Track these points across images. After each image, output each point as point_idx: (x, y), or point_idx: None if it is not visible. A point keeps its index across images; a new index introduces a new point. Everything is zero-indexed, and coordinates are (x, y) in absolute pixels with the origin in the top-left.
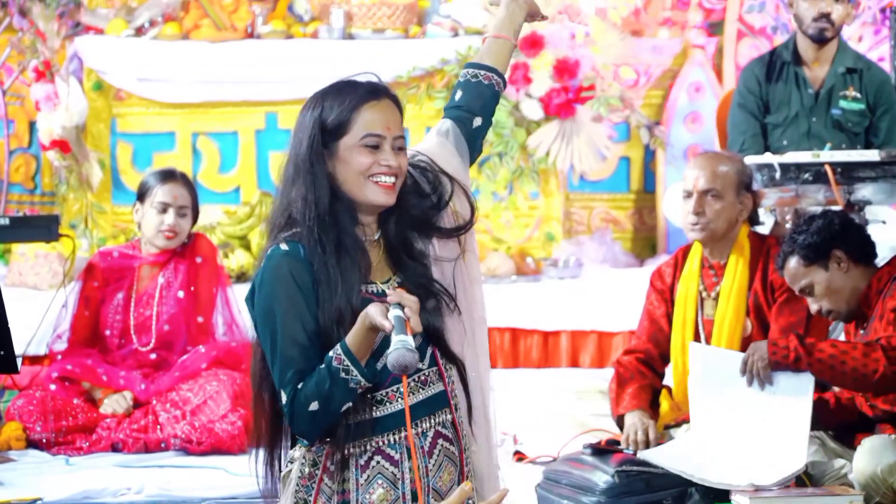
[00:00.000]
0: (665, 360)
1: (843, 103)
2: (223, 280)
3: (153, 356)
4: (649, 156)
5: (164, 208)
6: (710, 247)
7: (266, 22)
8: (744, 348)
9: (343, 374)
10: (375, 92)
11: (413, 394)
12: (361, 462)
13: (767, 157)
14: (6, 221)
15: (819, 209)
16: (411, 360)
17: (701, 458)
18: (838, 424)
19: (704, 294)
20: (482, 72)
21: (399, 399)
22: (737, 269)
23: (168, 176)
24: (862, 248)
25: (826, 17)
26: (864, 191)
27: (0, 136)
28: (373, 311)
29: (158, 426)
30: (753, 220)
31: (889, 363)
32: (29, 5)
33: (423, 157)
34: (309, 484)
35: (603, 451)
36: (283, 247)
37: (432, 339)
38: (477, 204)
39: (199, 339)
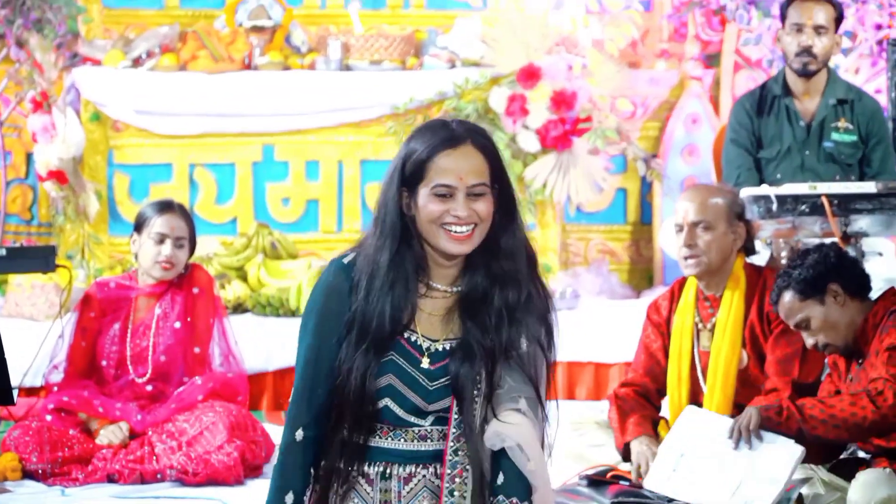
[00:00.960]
0: (661, 393)
1: (835, 135)
2: (220, 311)
3: (149, 387)
4: (646, 187)
5: (161, 239)
6: (705, 279)
7: (263, 53)
8: (740, 380)
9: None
10: (452, 139)
11: (406, 441)
12: (343, 475)
13: (764, 189)
14: (3, 252)
15: (816, 241)
16: None
17: (704, 485)
18: (827, 453)
19: (700, 326)
20: None
21: (390, 437)
22: (732, 300)
23: (165, 207)
24: (858, 282)
25: (807, 50)
26: (860, 222)
27: None
28: None
29: (154, 457)
30: (749, 249)
31: (876, 408)
32: (26, 36)
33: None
34: (308, 496)
35: (599, 482)
36: (344, 260)
37: (458, 400)
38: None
39: (195, 370)
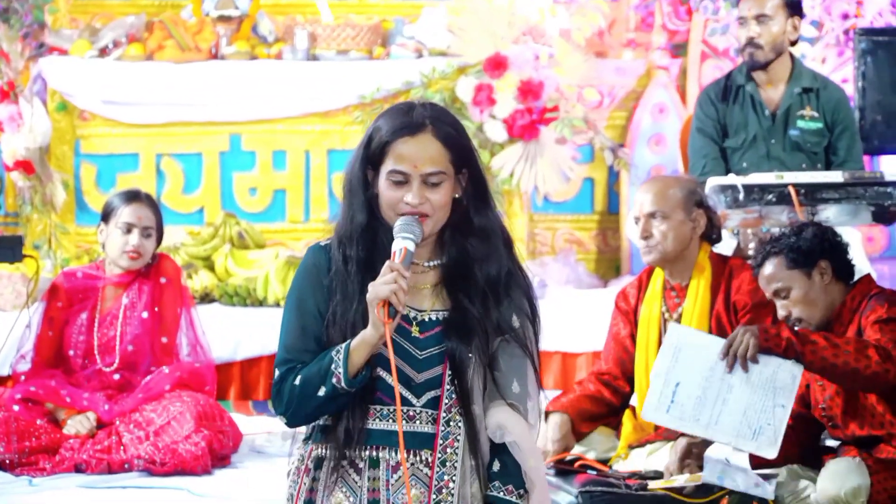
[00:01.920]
0: (629, 381)
1: (800, 123)
2: (187, 301)
3: (117, 377)
4: (613, 177)
5: (128, 229)
6: (668, 268)
7: (230, 43)
8: None
9: (332, 365)
10: (411, 126)
11: (394, 421)
12: (331, 465)
13: (731, 179)
14: None
15: (778, 230)
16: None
17: (709, 416)
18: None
19: (667, 315)
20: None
21: (378, 419)
22: (698, 290)
23: (132, 197)
24: (846, 266)
25: (750, 42)
26: (827, 212)
27: None
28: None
29: (122, 447)
30: (712, 237)
31: (882, 360)
32: None
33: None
34: (296, 479)
35: (566, 471)
36: (321, 243)
37: (455, 374)
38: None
39: (162, 359)
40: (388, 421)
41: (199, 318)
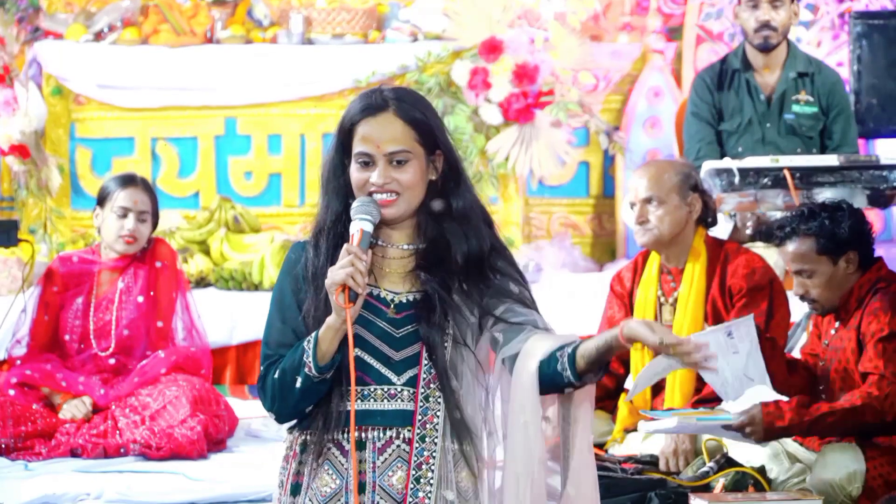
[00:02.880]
0: (624, 364)
1: (795, 107)
2: (183, 285)
3: (112, 361)
4: (608, 161)
5: (124, 213)
6: (664, 252)
7: (225, 27)
8: None
9: (303, 356)
10: (371, 108)
11: (376, 400)
12: (316, 448)
13: (726, 163)
14: None
15: (778, 214)
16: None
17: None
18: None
19: (663, 300)
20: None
21: (359, 399)
22: (693, 275)
23: (128, 181)
24: (870, 256)
25: (767, 25)
26: (822, 195)
27: None
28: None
29: (118, 431)
30: (708, 221)
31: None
32: None
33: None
34: (285, 465)
35: None
36: (303, 240)
37: (429, 352)
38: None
39: (158, 344)
40: (370, 401)
41: (194, 303)
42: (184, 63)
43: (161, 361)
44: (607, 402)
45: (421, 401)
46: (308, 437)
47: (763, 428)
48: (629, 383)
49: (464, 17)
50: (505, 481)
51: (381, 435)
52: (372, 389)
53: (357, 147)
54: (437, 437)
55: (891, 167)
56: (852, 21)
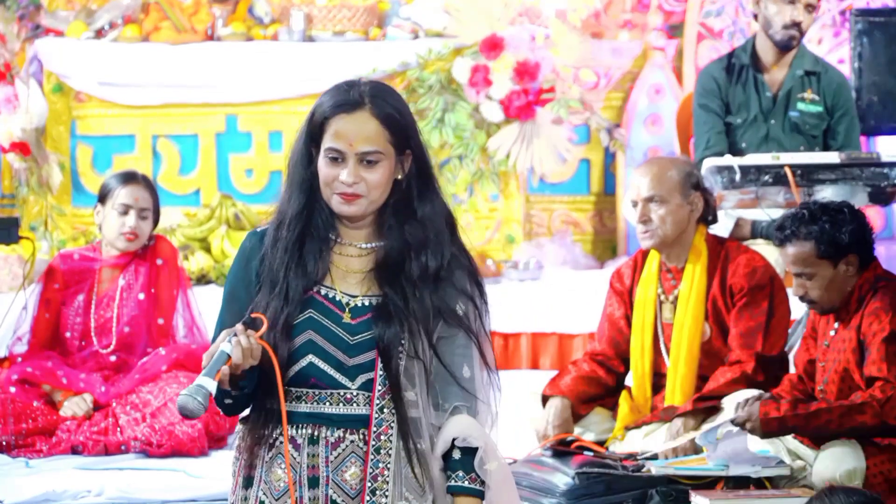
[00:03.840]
0: (624, 361)
1: (801, 106)
2: (184, 282)
3: (113, 358)
4: (609, 158)
5: (125, 210)
6: (665, 251)
7: (226, 24)
8: (703, 352)
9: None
10: (348, 104)
11: (332, 404)
12: (270, 440)
13: (727, 160)
14: None
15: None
16: (193, 408)
17: None
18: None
19: (663, 298)
20: None
21: (316, 402)
22: (694, 273)
23: (129, 178)
24: (870, 258)
25: (797, 25)
26: (823, 193)
27: None
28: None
29: (118, 428)
30: (709, 219)
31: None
32: None
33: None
34: (237, 456)
35: (563, 452)
36: (258, 229)
37: (384, 362)
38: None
39: (159, 341)
40: (325, 404)
41: (195, 300)
42: (185, 60)
43: (162, 359)
44: (608, 399)
45: (377, 411)
46: (261, 432)
47: (760, 420)
48: (629, 380)
49: (465, 15)
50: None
51: (335, 431)
52: (328, 393)
53: (329, 142)
54: (391, 449)
55: (892, 164)
56: (853, 18)
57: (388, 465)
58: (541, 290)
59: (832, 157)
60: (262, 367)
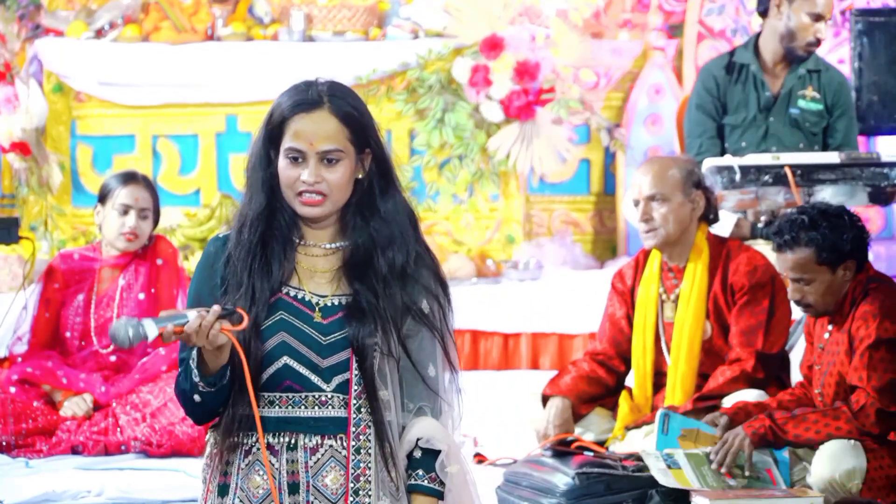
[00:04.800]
0: (624, 360)
1: (801, 103)
2: (184, 282)
3: (113, 358)
4: (609, 158)
5: (125, 210)
6: (666, 250)
7: (226, 24)
8: (704, 351)
9: (191, 374)
10: (307, 103)
11: (307, 408)
12: (246, 448)
13: (727, 160)
14: None
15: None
16: (121, 337)
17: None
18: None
19: (664, 297)
20: None
21: (290, 406)
22: (695, 272)
23: (129, 178)
24: (865, 263)
25: (819, 42)
26: (823, 193)
27: None
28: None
29: (118, 428)
30: (710, 218)
31: (858, 424)
32: None
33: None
34: (208, 463)
35: (563, 452)
36: (220, 234)
37: (359, 361)
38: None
39: (159, 341)
40: (301, 408)
41: None
42: (185, 60)
43: (162, 359)
44: (608, 399)
45: (354, 411)
46: (233, 439)
47: (744, 432)
48: (630, 380)
49: (465, 15)
50: None
51: (313, 437)
52: (303, 396)
53: (288, 142)
54: (371, 449)
55: (892, 164)
56: (853, 18)
57: (369, 465)
58: (541, 291)
59: (832, 158)
60: (234, 370)
